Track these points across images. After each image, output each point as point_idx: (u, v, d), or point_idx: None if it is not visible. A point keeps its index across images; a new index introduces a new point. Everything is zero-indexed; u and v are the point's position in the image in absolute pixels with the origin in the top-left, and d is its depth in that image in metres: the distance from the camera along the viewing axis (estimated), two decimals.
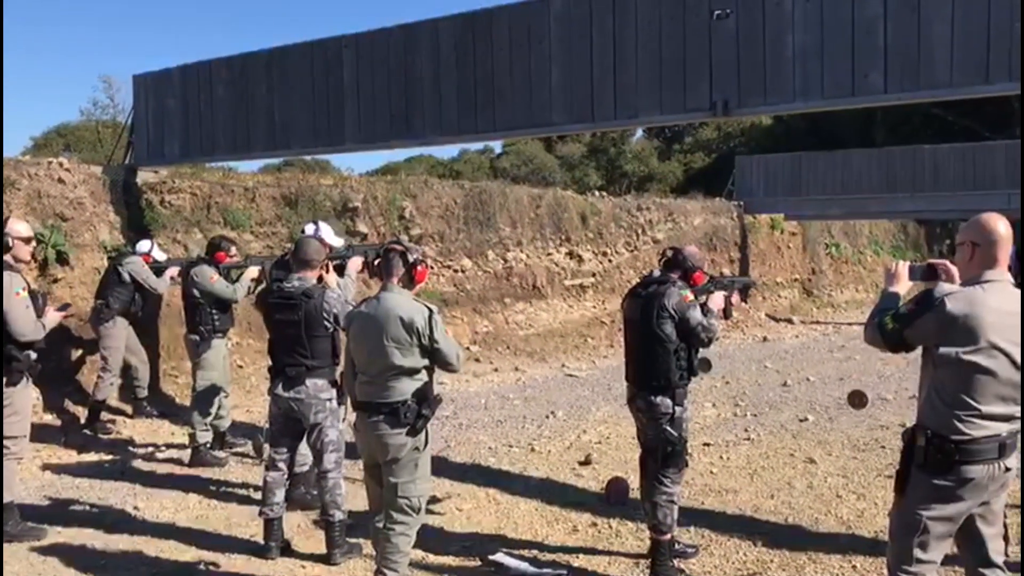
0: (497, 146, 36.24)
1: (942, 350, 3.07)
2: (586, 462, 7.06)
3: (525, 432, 8.24)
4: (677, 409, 4.65)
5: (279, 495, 5.15)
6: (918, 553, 3.16)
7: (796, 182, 19.93)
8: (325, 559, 5.00)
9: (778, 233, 20.22)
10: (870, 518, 5.66)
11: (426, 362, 4.23)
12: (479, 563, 4.92)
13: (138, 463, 7.17)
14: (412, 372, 4.18)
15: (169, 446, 7.67)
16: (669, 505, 4.64)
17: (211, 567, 4.92)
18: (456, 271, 13.18)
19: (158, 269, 8.15)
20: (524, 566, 4.81)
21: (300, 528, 5.53)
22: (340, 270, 6.16)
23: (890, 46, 5.71)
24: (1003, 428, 3.09)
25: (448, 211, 13.28)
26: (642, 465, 4.83)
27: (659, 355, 4.61)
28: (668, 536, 4.65)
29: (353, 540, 5.11)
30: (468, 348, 12.37)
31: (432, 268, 12.68)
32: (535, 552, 5.10)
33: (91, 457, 7.32)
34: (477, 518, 5.77)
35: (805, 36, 6.01)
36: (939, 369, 3.11)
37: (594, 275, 15.49)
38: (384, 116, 8.11)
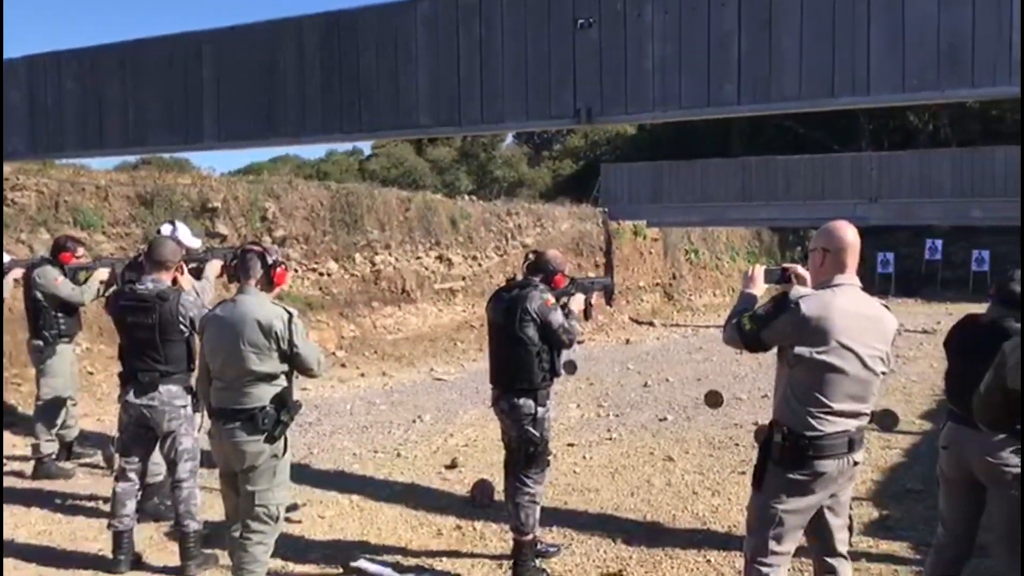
0: (366, 148, 35.90)
1: (796, 350, 3.21)
2: (452, 466, 7.05)
3: (391, 437, 8.17)
4: (540, 410, 4.70)
5: (129, 506, 4.92)
6: (773, 545, 3.30)
7: (658, 190, 20.54)
8: (179, 571, 4.81)
9: (641, 239, 20.82)
10: (724, 513, 5.88)
11: (285, 367, 4.13)
12: (340, 570, 4.84)
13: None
14: (270, 378, 4.08)
15: (11, 458, 7.21)
16: (531, 506, 4.68)
17: None
18: (322, 274, 12.95)
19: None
20: (386, 571, 4.76)
21: (153, 540, 5.31)
22: (198, 273, 5.96)
23: (743, 60, 5.95)
24: (852, 424, 3.27)
25: (314, 213, 13.04)
26: (506, 467, 4.87)
27: (522, 357, 4.65)
28: (530, 536, 4.70)
29: (209, 551, 4.93)
30: (334, 353, 12.17)
31: (296, 271, 12.42)
32: (398, 557, 5.06)
33: None
34: (339, 525, 5.67)
35: (664, 48, 6.18)
36: (794, 368, 3.25)
37: (464, 279, 15.54)
38: (246, 114, 7.87)
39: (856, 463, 3.34)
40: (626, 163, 23.27)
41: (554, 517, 5.61)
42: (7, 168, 9.99)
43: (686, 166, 20.82)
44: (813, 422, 3.22)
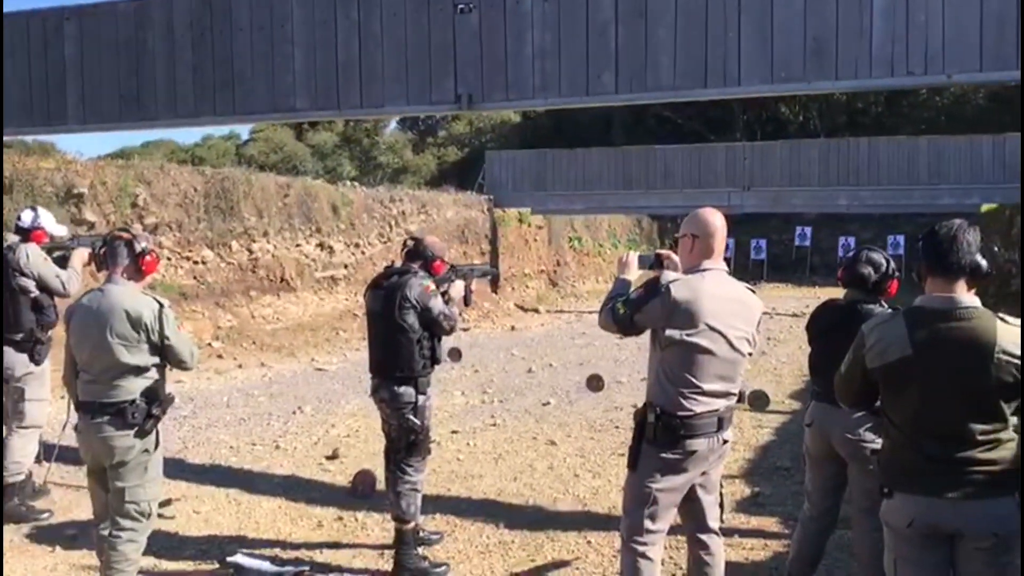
0: (244, 132, 34.91)
1: (667, 332, 3.29)
2: (333, 456, 6.95)
3: (270, 429, 7.99)
4: (420, 398, 4.67)
5: None
6: (648, 524, 3.38)
7: (542, 178, 20.77)
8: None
9: (525, 227, 20.99)
10: (604, 495, 5.99)
11: (156, 360, 3.97)
12: (216, 566, 4.70)
13: None
14: (140, 370, 3.91)
15: None
16: (412, 494, 4.65)
17: None
18: (196, 263, 12.53)
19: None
20: (264, 565, 4.65)
21: (13, 543, 5.03)
22: (63, 262, 5.73)
23: (620, 50, 6.05)
24: (721, 404, 3.37)
25: (187, 199, 12.60)
26: (387, 456, 4.82)
27: (402, 345, 4.61)
28: (412, 524, 4.67)
29: (77, 551, 4.73)
30: (210, 344, 11.81)
31: (169, 259, 11.98)
32: (277, 550, 4.95)
33: None
34: (216, 520, 5.51)
35: (544, 35, 6.23)
36: (665, 350, 3.33)
37: (346, 267, 15.32)
38: (112, 95, 7.52)
39: (726, 442, 3.45)
40: (510, 151, 23.45)
41: (437, 504, 5.60)
42: None
43: (569, 155, 21.11)
44: (684, 402, 3.30)
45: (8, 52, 7.94)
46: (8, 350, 5.54)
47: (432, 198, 18.53)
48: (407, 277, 4.68)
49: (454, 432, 7.76)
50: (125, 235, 4.06)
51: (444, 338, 4.84)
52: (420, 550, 4.75)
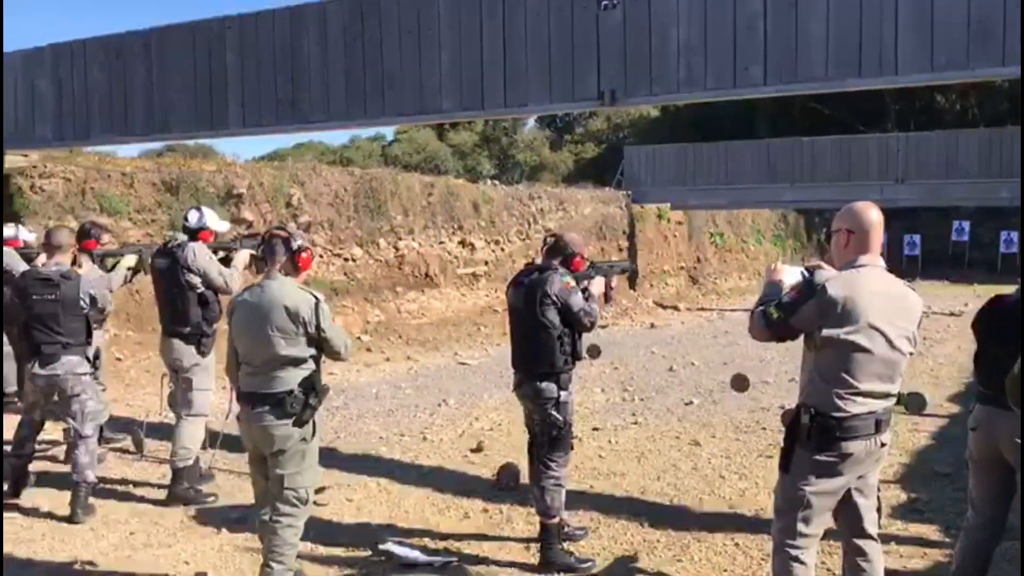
0: (388, 133, 35.92)
1: (825, 332, 3.19)
2: (478, 449, 7.08)
3: (417, 421, 8.21)
4: (562, 394, 4.69)
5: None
6: (802, 527, 3.29)
7: (682, 172, 20.47)
8: (69, 519, 5.36)
9: (664, 222, 20.72)
10: (751, 497, 5.87)
11: (313, 351, 4.14)
12: (369, 553, 4.87)
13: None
14: (298, 362, 4.09)
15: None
16: (556, 489, 4.69)
17: (86, 566, 4.72)
18: (347, 260, 13.01)
19: (27, 255, 7.73)
20: (414, 554, 4.79)
21: (182, 524, 5.37)
22: (226, 261, 6.07)
23: (769, 41, 5.90)
24: (879, 405, 3.25)
25: (338, 198, 13.08)
26: (530, 451, 4.88)
27: (544, 341, 4.65)
28: (556, 519, 4.71)
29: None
30: (359, 338, 12.23)
31: (321, 256, 12.48)
32: (426, 540, 5.09)
33: None
34: (367, 508, 5.71)
35: (689, 30, 6.15)
36: (821, 350, 3.23)
37: (487, 263, 15.55)
38: (269, 100, 7.91)
39: (884, 444, 3.32)
40: (650, 145, 23.18)
41: (580, 500, 5.62)
42: (34, 156, 10.11)
43: (710, 148, 20.71)
44: (840, 403, 3.20)
45: (174, 61, 8.46)
46: (177, 342, 5.91)
47: (570, 195, 18.56)
48: (547, 273, 4.71)
49: (595, 429, 7.76)
50: (282, 233, 4.25)
51: (584, 335, 4.85)
52: (565, 545, 4.79)
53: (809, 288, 3.24)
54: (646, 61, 6.27)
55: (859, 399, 3.21)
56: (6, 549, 4.90)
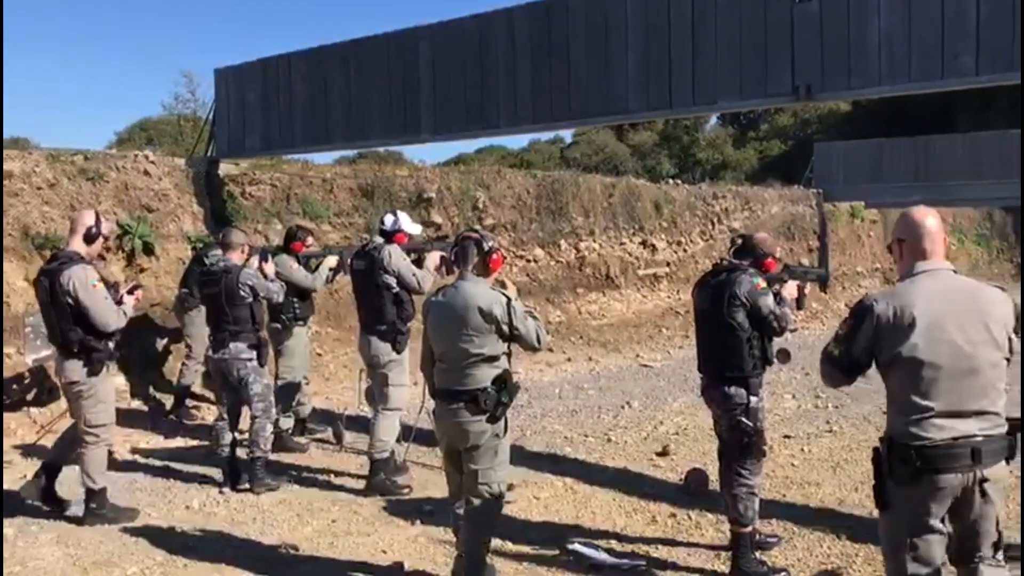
0: (567, 136, 36.11)
1: (883, 353, 2.95)
2: (664, 453, 7.00)
3: (601, 422, 8.21)
4: (752, 399, 4.55)
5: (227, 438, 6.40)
6: (913, 567, 2.97)
7: (877, 169, 19.46)
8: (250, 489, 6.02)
9: (858, 221, 19.74)
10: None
11: (505, 348, 4.22)
12: (557, 552, 4.91)
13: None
14: (491, 359, 4.18)
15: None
16: (750, 497, 4.56)
17: (291, 550, 5.02)
18: (529, 261, 13.19)
19: None
20: (602, 556, 4.79)
21: (378, 514, 5.61)
22: (419, 263, 6.30)
23: (982, 26, 5.52)
24: (971, 428, 2.87)
25: (520, 201, 13.29)
26: (720, 456, 4.77)
27: (732, 344, 4.52)
28: (749, 528, 4.58)
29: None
30: None
31: (505, 258, 12.71)
32: (613, 542, 5.08)
33: (178, 442, 7.52)
34: (555, 507, 5.77)
35: (891, 19, 5.85)
36: (887, 376, 2.99)
37: (668, 264, 15.35)
38: (459, 107, 8.16)
39: (985, 481, 2.88)
40: (842, 141, 22.17)
41: (773, 510, 5.43)
42: (244, 164, 10.86)
43: (907, 143, 19.57)
44: (915, 430, 2.89)
45: (370, 72, 8.88)
46: (374, 339, 6.18)
47: (756, 194, 18.01)
48: (737, 274, 4.58)
49: (787, 437, 7.49)
50: (474, 235, 4.36)
51: (774, 339, 4.69)
52: (758, 554, 4.65)
53: (860, 310, 3.01)
54: (844, 53, 6.03)
55: (938, 422, 2.87)
56: (220, 531, 5.30)
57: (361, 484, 6.13)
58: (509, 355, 4.28)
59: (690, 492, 5.93)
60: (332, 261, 7.32)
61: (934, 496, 2.90)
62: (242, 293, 6.07)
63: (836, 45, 6.02)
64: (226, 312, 6.08)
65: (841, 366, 3.12)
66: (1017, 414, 3.03)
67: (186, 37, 70.71)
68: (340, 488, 6.19)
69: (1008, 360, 2.97)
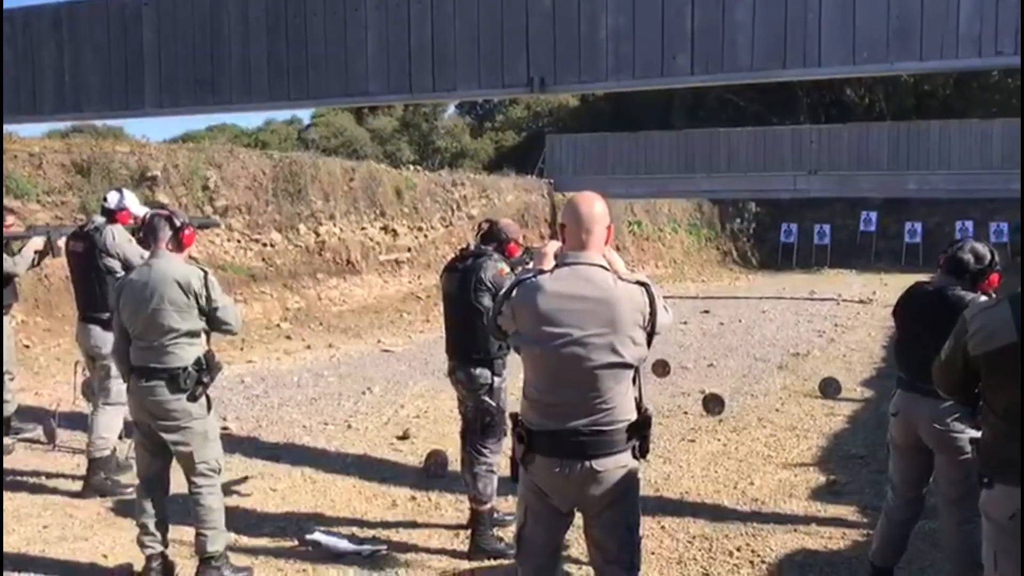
0: (305, 117, 35.29)
1: (512, 336, 3.02)
2: (404, 437, 7.02)
3: (341, 409, 8.10)
4: (496, 380, 4.69)
5: None
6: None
7: (602, 161, 20.67)
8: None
9: None
10: (676, 480, 5.96)
11: (204, 324, 4.19)
12: (296, 543, 4.79)
13: None
14: (192, 335, 4.14)
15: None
16: (489, 475, 4.69)
17: None
18: (265, 245, 12.74)
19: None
20: (342, 544, 4.72)
21: (99, 516, 5.19)
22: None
23: (697, 31, 5.98)
24: (568, 423, 2.86)
25: (256, 182, 12.80)
26: (463, 437, 4.86)
27: (478, 327, 4.61)
28: (488, 506, 4.70)
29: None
30: (279, 325, 12.01)
31: (239, 241, 12.19)
32: (354, 529, 5.02)
33: None
34: (292, 498, 5.61)
35: (618, 18, 6.18)
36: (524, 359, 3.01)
37: (409, 250, 15.44)
38: (188, 80, 7.65)
39: (598, 472, 2.86)
40: (571, 134, 23.33)
41: (510, 487, 5.59)
42: None
43: (630, 138, 20.95)
44: (530, 413, 2.96)
45: (86, 38, 8.12)
46: (95, 328, 5.71)
47: (493, 182, 18.56)
48: (482, 260, 4.69)
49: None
50: (164, 212, 4.34)
51: None
52: (495, 531, 4.79)
53: (510, 286, 3.00)
54: (575, 48, 6.28)
55: (544, 409, 2.91)
56: None
57: (78, 486, 5.63)
58: (209, 332, 4.24)
59: (430, 474, 6.00)
60: (38, 243, 6.62)
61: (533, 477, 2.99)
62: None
63: (568, 40, 6.28)
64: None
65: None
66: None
67: None
68: (53, 491, 5.65)
69: (629, 364, 2.92)
